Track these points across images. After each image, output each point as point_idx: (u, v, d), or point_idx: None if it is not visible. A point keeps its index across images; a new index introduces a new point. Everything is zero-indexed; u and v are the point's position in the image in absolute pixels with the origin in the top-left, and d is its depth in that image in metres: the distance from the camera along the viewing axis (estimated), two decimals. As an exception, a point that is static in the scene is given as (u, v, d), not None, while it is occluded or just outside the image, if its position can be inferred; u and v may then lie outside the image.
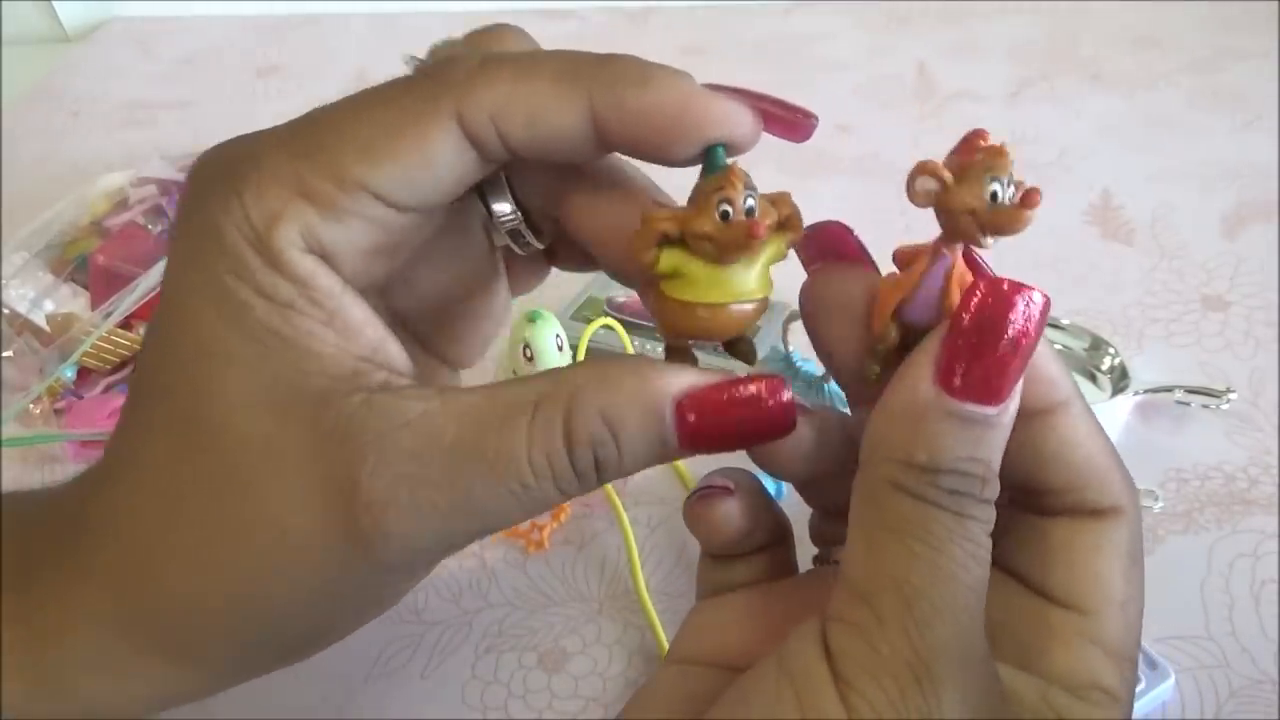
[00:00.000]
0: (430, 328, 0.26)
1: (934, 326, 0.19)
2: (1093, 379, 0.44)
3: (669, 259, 0.20)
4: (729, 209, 0.19)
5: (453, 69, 0.20)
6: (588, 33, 0.82)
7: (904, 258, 0.21)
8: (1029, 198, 0.18)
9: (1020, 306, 0.18)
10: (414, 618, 0.36)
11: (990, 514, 0.18)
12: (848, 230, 0.22)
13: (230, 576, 0.20)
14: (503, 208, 0.24)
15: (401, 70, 0.22)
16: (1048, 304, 0.18)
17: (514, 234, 0.24)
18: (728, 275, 0.20)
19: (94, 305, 0.47)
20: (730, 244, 0.19)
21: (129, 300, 0.44)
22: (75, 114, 0.74)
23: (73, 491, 0.23)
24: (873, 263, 0.22)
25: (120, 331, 0.44)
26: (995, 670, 0.18)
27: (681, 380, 0.20)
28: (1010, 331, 0.18)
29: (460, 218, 0.25)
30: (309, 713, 0.33)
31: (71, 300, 0.48)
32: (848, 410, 0.26)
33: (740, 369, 0.21)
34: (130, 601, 0.21)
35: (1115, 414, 0.43)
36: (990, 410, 0.18)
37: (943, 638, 0.17)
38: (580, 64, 0.20)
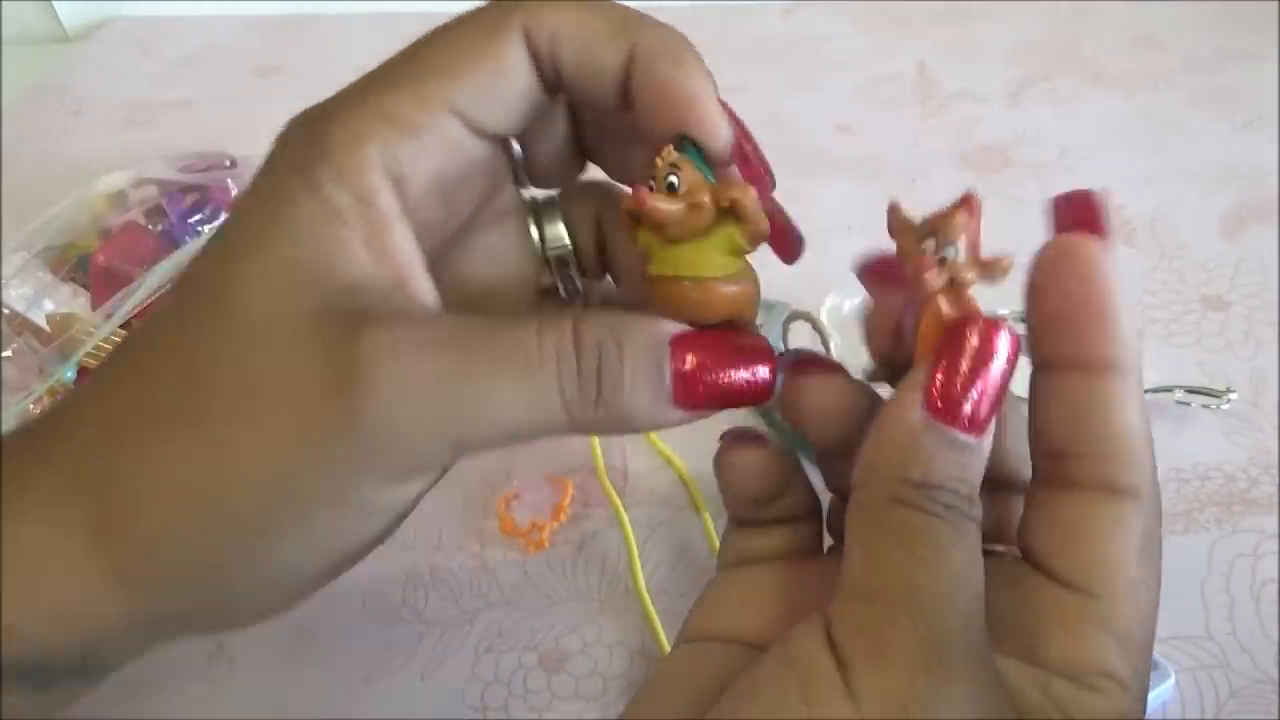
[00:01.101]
0: None
1: (910, 354, 0.20)
2: (1093, 379, 0.44)
3: (642, 238, 0.21)
4: (652, 185, 0.20)
5: None
6: (588, 33, 0.82)
7: (899, 227, 0.21)
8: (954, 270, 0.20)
9: (997, 345, 0.19)
10: (414, 618, 0.36)
11: (978, 535, 0.19)
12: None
13: (205, 423, 0.20)
14: (556, 231, 0.25)
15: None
16: (1018, 341, 0.19)
17: (561, 262, 0.26)
18: (683, 252, 0.21)
19: (94, 305, 0.47)
20: (646, 217, 0.20)
21: (131, 301, 0.44)
22: (75, 114, 0.74)
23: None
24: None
25: (122, 332, 0.44)
26: (999, 672, 0.18)
27: (678, 326, 0.21)
28: (989, 368, 0.19)
29: (510, 253, 0.26)
30: (309, 713, 0.33)
31: (72, 300, 0.48)
32: None
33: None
34: (91, 485, 0.20)
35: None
36: (972, 439, 0.19)
37: (950, 630, 0.17)
38: (632, 17, 0.22)
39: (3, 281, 0.47)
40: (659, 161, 0.21)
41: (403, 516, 0.22)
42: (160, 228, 0.50)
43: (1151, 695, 0.31)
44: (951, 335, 0.19)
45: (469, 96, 0.21)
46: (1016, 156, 0.62)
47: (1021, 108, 0.68)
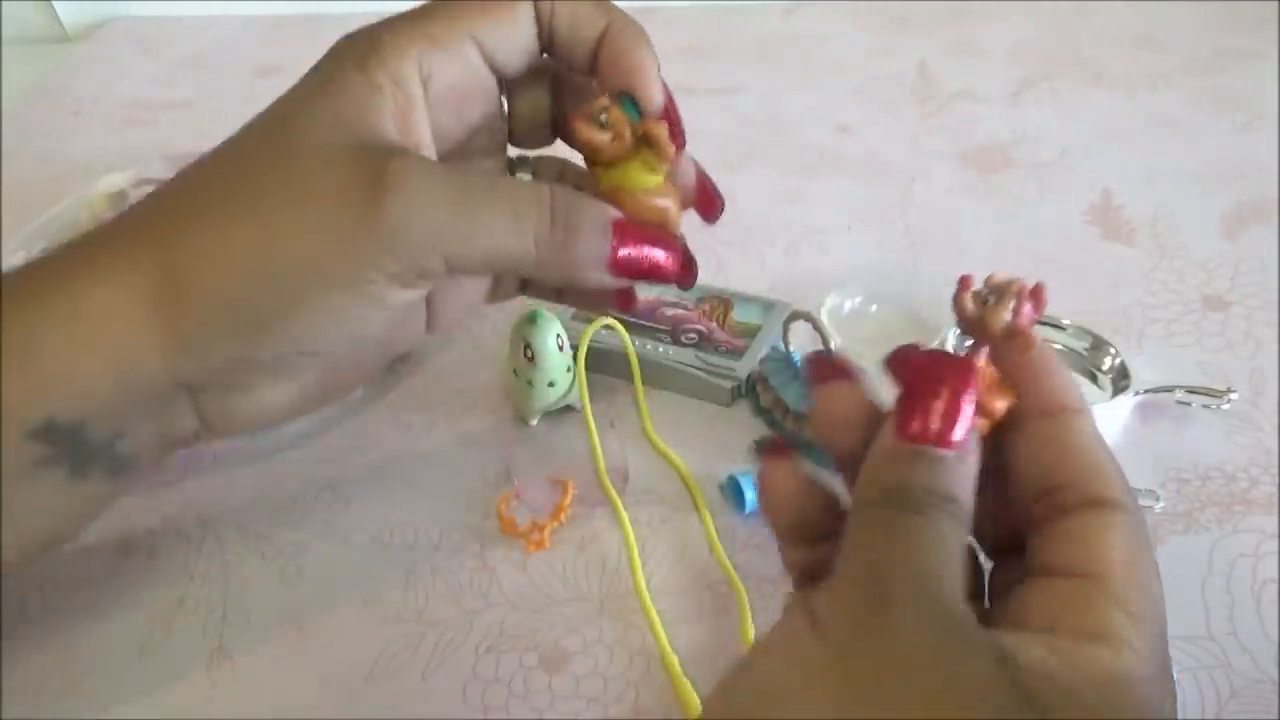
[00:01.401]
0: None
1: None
2: (1093, 379, 0.44)
3: (592, 170, 0.29)
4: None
5: None
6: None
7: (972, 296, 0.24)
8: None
9: (950, 375, 0.22)
10: (414, 618, 0.36)
11: (956, 528, 0.21)
12: (829, 360, 0.25)
13: (259, 213, 0.25)
14: (524, 177, 0.32)
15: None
16: (969, 366, 0.22)
17: None
18: (615, 173, 0.28)
19: (94, 305, 0.47)
20: (579, 140, 0.28)
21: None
22: (76, 114, 0.74)
23: None
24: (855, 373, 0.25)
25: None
26: (968, 617, 0.20)
27: (619, 214, 0.28)
28: (942, 393, 0.22)
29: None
30: (310, 713, 0.33)
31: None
32: None
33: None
34: (155, 258, 0.26)
35: (1116, 414, 0.43)
36: (944, 452, 0.21)
37: (900, 577, 0.20)
38: (610, 6, 0.29)
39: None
40: (594, 105, 0.28)
41: (392, 327, 0.28)
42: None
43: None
44: (915, 370, 0.22)
45: (487, 33, 0.28)
46: (1017, 156, 0.62)
47: (1021, 108, 0.68)
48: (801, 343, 0.41)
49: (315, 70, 0.28)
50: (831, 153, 0.63)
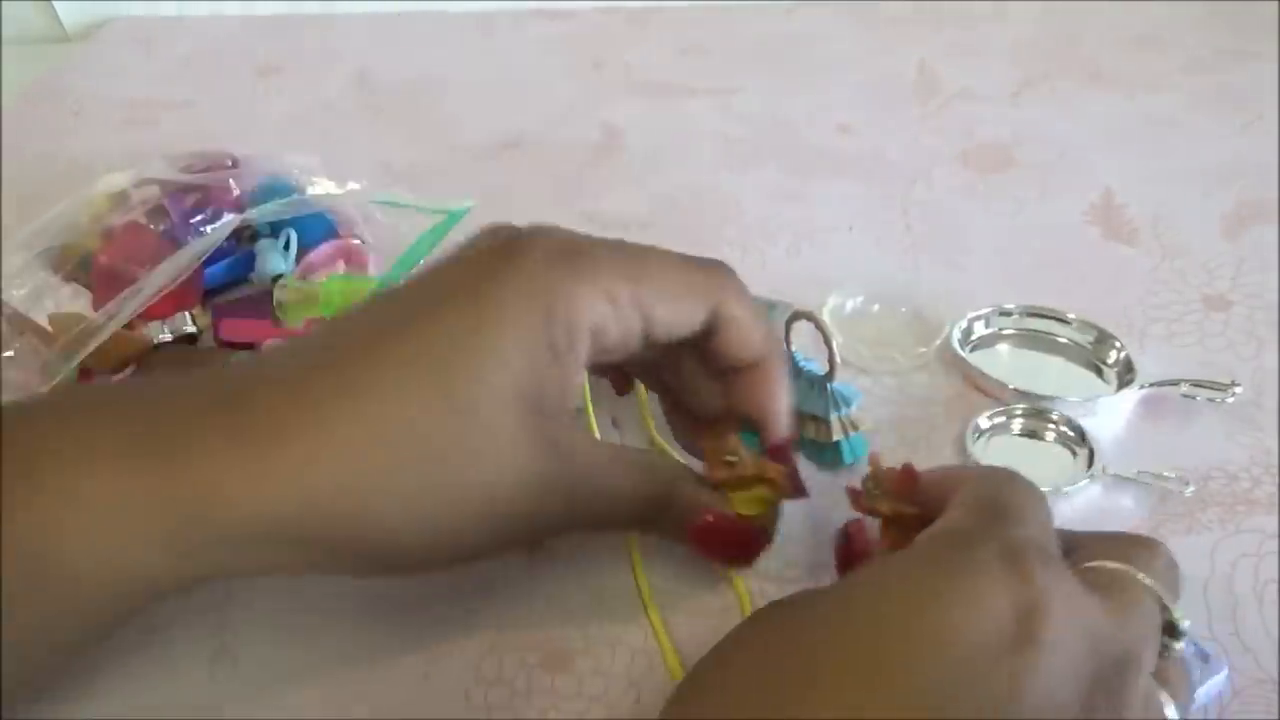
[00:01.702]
0: None
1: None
2: (1098, 373, 0.44)
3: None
4: (726, 461, 0.33)
5: (734, 279, 0.32)
6: (587, 33, 0.81)
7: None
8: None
9: (852, 535, 0.35)
10: (416, 618, 0.36)
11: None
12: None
13: (428, 472, 0.27)
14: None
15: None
16: (863, 539, 0.34)
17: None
18: (737, 497, 0.33)
19: (96, 305, 0.47)
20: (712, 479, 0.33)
21: (136, 301, 0.44)
22: (76, 114, 0.74)
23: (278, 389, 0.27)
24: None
25: (124, 332, 0.44)
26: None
27: (713, 502, 0.32)
28: (856, 543, 0.35)
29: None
30: (310, 712, 0.33)
31: (73, 300, 0.48)
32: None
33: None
34: (316, 508, 0.26)
35: (1120, 408, 0.43)
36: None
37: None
38: (774, 338, 0.33)
39: (3, 281, 0.47)
40: (723, 447, 0.33)
41: None
42: (162, 228, 0.50)
43: (1204, 689, 0.31)
44: (847, 544, 0.35)
45: (661, 314, 0.30)
46: (1017, 156, 0.62)
47: (1022, 108, 0.68)
48: (803, 343, 0.41)
49: (500, 293, 0.28)
50: (832, 153, 0.63)
